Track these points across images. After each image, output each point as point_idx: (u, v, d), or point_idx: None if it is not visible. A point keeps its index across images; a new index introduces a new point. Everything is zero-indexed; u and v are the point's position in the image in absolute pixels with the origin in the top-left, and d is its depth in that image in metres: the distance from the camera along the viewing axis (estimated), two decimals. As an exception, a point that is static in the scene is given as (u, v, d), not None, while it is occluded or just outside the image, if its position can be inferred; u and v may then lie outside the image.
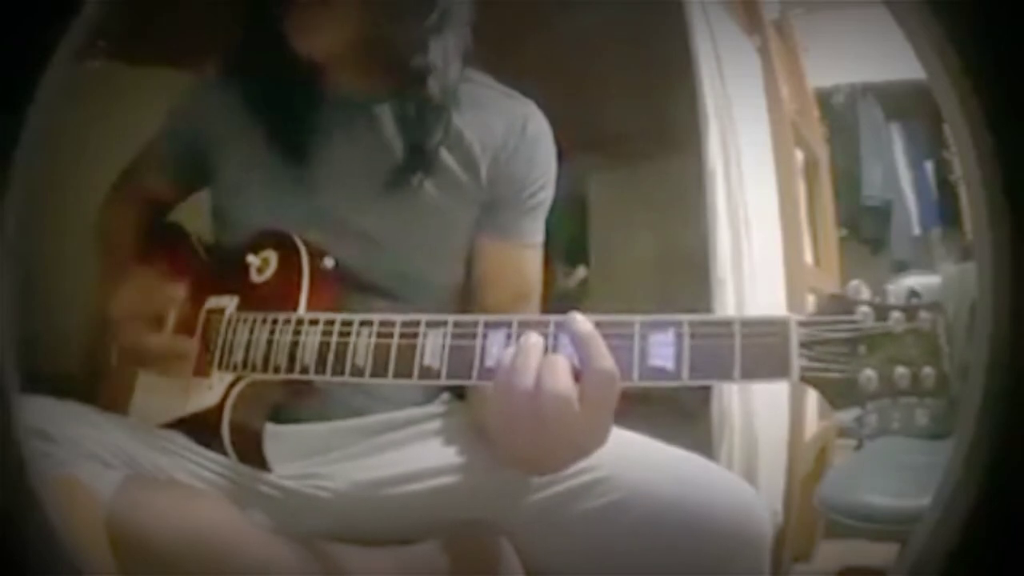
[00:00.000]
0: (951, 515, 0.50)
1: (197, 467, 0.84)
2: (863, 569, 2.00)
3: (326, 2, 0.86)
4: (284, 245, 0.88)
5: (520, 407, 0.62)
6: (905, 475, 1.60)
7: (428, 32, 0.90)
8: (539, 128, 0.96)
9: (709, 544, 0.77)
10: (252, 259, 0.88)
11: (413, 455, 0.89)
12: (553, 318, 0.66)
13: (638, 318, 0.63)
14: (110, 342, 0.94)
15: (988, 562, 0.48)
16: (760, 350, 0.60)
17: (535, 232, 0.97)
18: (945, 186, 3.40)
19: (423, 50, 0.90)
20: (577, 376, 0.62)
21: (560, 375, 0.61)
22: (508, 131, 0.94)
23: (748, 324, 0.60)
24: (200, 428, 0.84)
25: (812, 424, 2.15)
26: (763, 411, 1.76)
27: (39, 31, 0.49)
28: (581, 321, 0.63)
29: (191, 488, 0.82)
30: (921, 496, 1.37)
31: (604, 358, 0.61)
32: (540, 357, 0.63)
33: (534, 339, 0.64)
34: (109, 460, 0.78)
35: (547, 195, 0.97)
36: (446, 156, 0.92)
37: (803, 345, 0.59)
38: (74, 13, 0.50)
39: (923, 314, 0.59)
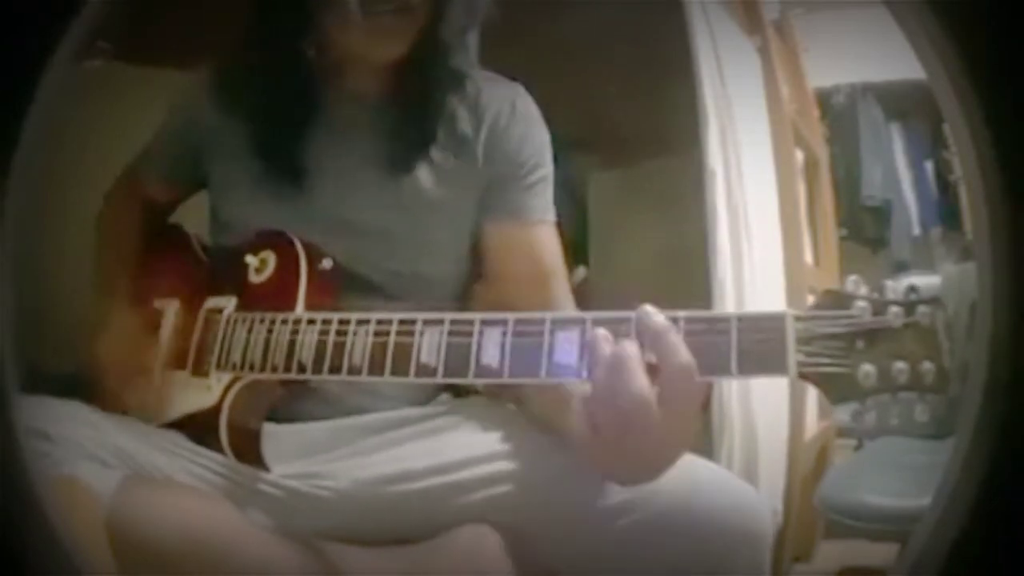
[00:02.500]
0: (951, 515, 0.50)
1: (196, 467, 0.84)
2: (863, 569, 2.00)
3: (408, 9, 0.86)
4: (282, 246, 0.88)
5: (600, 408, 0.60)
6: (905, 475, 1.60)
7: (467, 31, 0.92)
8: (528, 106, 0.97)
9: (710, 544, 0.77)
10: (250, 259, 0.89)
11: (413, 453, 0.89)
12: (549, 315, 0.65)
13: (635, 314, 0.63)
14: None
15: (988, 562, 0.48)
16: (757, 346, 0.59)
17: (542, 209, 0.96)
18: (945, 186, 3.40)
19: (464, 48, 0.92)
20: (651, 372, 0.59)
21: (635, 374, 0.58)
22: (498, 112, 0.95)
23: (745, 320, 0.60)
24: (199, 428, 0.84)
25: (812, 424, 2.15)
26: (763, 411, 1.76)
27: (39, 31, 0.49)
28: (655, 314, 0.60)
29: (191, 488, 0.82)
30: (921, 496, 1.37)
31: (682, 352, 0.59)
32: (639, 364, 0.59)
33: (600, 335, 0.61)
34: (109, 460, 0.78)
35: (546, 172, 0.97)
36: (441, 148, 0.93)
37: (800, 340, 0.59)
38: (74, 13, 0.50)
39: (922, 309, 0.59)
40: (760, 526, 0.79)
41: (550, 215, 0.96)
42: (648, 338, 0.60)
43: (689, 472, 0.80)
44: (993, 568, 0.48)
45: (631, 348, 0.59)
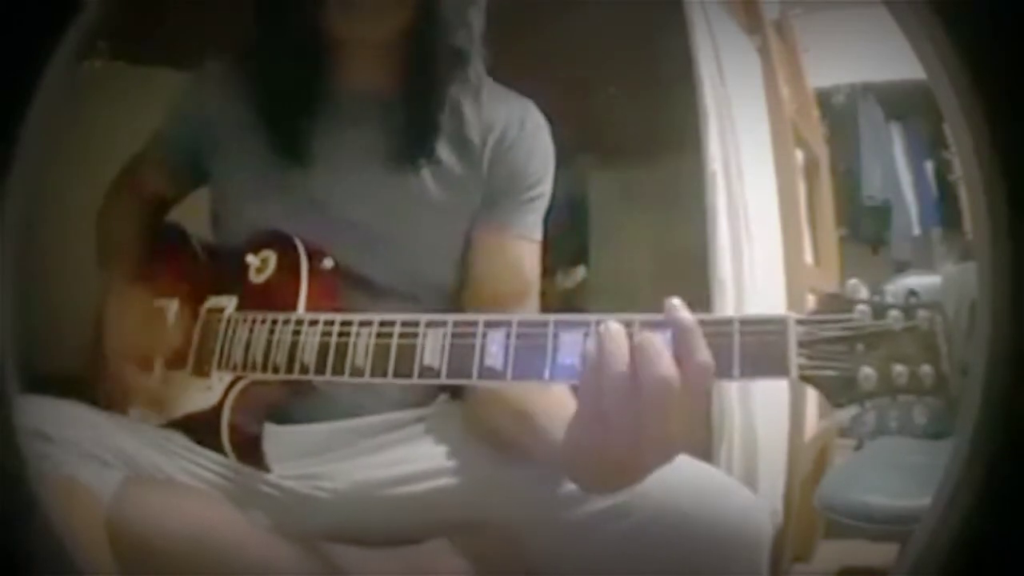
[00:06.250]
0: (951, 515, 0.50)
1: (196, 467, 0.84)
2: (863, 569, 2.00)
3: None
4: (283, 245, 0.88)
5: (614, 399, 0.58)
6: (905, 475, 1.60)
7: (473, 16, 0.91)
8: (537, 123, 0.97)
9: (707, 548, 0.77)
10: (251, 259, 0.89)
11: (412, 455, 0.89)
12: (552, 317, 0.65)
13: (637, 317, 0.62)
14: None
15: (988, 562, 0.48)
16: (759, 349, 0.59)
17: (532, 227, 0.96)
18: (945, 186, 3.40)
19: (469, 35, 0.91)
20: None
21: (662, 357, 0.57)
22: (507, 125, 0.95)
23: (747, 323, 0.60)
24: (199, 428, 0.84)
25: (812, 424, 2.15)
26: (763, 411, 1.76)
27: (39, 31, 0.49)
28: (682, 309, 0.60)
29: (191, 488, 0.82)
30: (921, 496, 1.37)
31: (704, 351, 0.58)
32: (627, 344, 0.59)
33: (616, 327, 0.60)
34: (109, 460, 0.78)
35: (545, 190, 0.97)
36: (446, 151, 0.93)
37: (802, 344, 0.59)
38: (74, 13, 0.50)
39: (921, 312, 0.59)
40: (757, 531, 0.79)
41: (538, 234, 0.97)
42: (674, 331, 0.59)
43: (683, 475, 0.80)
44: (993, 568, 0.48)
45: (657, 336, 0.59)
